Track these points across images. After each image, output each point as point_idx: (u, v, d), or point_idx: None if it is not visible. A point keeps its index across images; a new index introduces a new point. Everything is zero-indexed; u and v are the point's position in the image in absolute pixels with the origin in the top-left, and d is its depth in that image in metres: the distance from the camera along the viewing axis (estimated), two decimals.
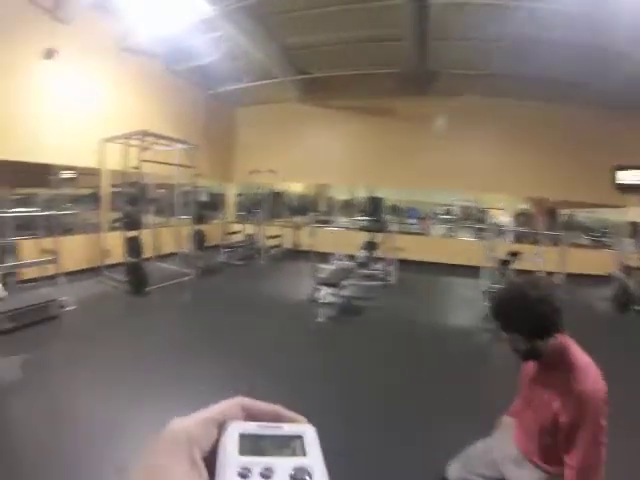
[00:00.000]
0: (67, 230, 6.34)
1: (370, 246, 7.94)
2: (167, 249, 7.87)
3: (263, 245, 9.25)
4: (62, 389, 3.01)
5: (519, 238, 9.49)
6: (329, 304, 5.38)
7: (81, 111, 6.56)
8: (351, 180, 11.11)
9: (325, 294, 5.51)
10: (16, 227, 5.42)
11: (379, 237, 7.92)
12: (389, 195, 10.97)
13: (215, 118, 10.63)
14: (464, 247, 9.75)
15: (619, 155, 8.99)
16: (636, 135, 8.84)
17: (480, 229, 10.09)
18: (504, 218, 10.87)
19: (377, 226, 7.92)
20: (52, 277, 4.96)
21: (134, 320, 4.85)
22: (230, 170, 11.56)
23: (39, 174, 6.04)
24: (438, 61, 8.16)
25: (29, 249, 5.48)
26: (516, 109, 9.34)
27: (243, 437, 0.28)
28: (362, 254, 7.81)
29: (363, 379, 3.50)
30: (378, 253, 7.82)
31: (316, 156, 10.83)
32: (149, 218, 7.14)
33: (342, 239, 8.76)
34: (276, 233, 10.18)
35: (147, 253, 6.50)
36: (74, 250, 6.39)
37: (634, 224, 7.93)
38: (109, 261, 6.70)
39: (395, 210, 11.59)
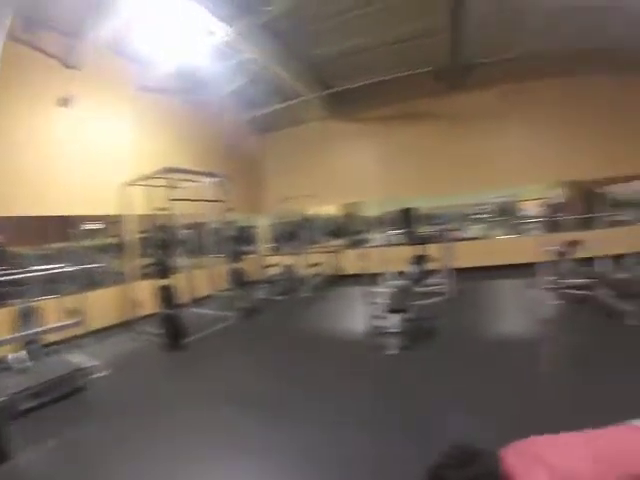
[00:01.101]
0: (94, 283, 5.90)
1: (420, 260, 7.10)
2: (203, 292, 7.29)
3: (304, 275, 8.53)
4: None
5: (561, 227, 8.73)
6: (397, 332, 4.52)
7: (100, 156, 6.24)
8: (383, 194, 10.44)
9: (393, 322, 4.62)
10: (40, 284, 4.99)
11: (427, 249, 7.13)
12: (422, 204, 10.46)
13: (240, 147, 10.29)
14: (512, 245, 8.98)
15: None
16: None
17: (517, 224, 9.45)
18: (536, 208, 10.14)
19: (412, 237, 7.16)
20: (80, 337, 4.41)
21: (173, 382, 4.13)
22: (259, 200, 11.11)
23: (60, 227, 5.66)
24: (471, 51, 7.48)
25: (53, 309, 4.99)
26: (545, 89, 8.71)
27: None
28: (413, 269, 7.00)
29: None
30: (429, 266, 6.98)
31: (347, 174, 10.39)
32: (180, 261, 6.60)
33: (385, 257, 7.82)
34: (315, 261, 9.47)
35: (181, 299, 5.92)
36: (102, 305, 5.91)
37: None
38: (141, 313, 6.16)
39: (426, 218, 10.86)
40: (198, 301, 7.02)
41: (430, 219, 11.31)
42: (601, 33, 6.80)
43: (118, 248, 6.61)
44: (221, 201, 6.87)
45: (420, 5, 6.30)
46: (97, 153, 6.20)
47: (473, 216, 11.24)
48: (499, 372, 3.52)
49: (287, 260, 9.25)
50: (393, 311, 4.67)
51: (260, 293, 7.89)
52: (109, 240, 6.67)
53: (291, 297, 7.98)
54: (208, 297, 7.25)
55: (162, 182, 5.94)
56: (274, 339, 5.40)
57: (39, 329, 4.14)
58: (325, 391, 3.48)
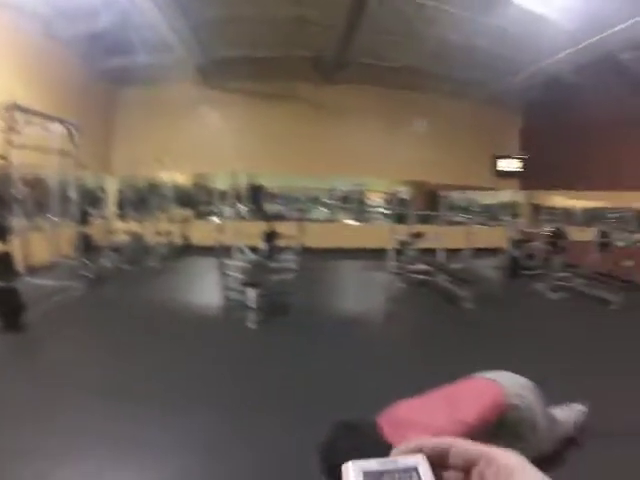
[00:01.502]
0: None
1: (270, 236, 7.67)
2: (42, 259, 6.25)
3: (152, 244, 8.16)
4: None
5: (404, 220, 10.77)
6: (254, 306, 4.72)
7: None
8: (237, 167, 10.58)
9: (251, 296, 4.75)
10: None
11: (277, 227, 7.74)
12: (273, 182, 11.32)
13: (95, 97, 8.84)
14: (360, 231, 10.70)
15: (497, 146, 11.32)
16: (511, 130, 11.43)
17: (364, 212, 11.11)
18: (381, 200, 12.26)
19: (262, 214, 7.64)
20: None
21: (15, 375, 3.26)
22: (108, 160, 9.79)
23: None
24: (355, 50, 8.35)
25: None
26: (410, 101, 10.54)
27: (366, 475, 0.30)
28: (264, 246, 7.52)
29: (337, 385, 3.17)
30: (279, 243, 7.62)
31: (203, 143, 10.21)
32: (17, 221, 5.48)
33: (235, 230, 7.56)
34: (164, 230, 9.08)
35: (18, 268, 5.06)
36: None
37: (513, 203, 10.34)
38: None
39: (275, 197, 11.77)
40: (36, 269, 5.99)
41: (280, 198, 12.14)
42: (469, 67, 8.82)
43: None
44: (71, 154, 6.02)
45: None
46: None
47: (323, 200, 12.53)
48: (350, 345, 4.20)
49: (134, 227, 8.61)
50: (249, 285, 4.82)
51: (106, 261, 7.23)
52: None
53: (139, 266, 7.59)
54: (48, 264, 6.27)
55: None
56: (125, 315, 5.02)
57: None
58: (190, 375, 3.40)
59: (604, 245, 7.52)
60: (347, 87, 10.14)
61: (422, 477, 0.30)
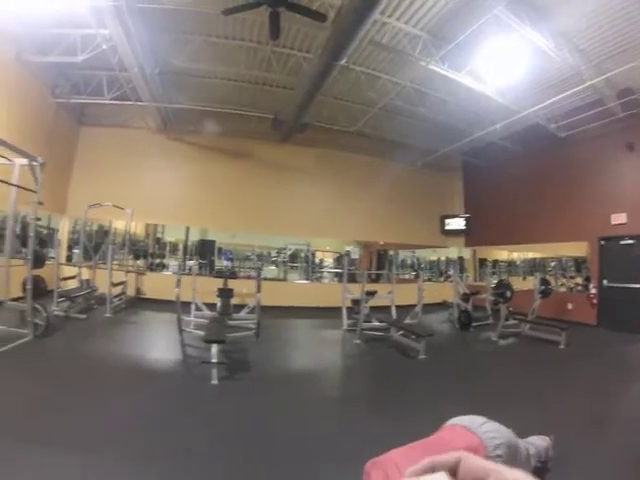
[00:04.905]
0: None
1: (226, 293, 7.53)
2: None
3: (109, 293, 7.53)
4: None
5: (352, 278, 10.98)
6: (219, 363, 4.43)
7: None
8: (188, 221, 10.66)
9: (213, 352, 4.42)
10: None
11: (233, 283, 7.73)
12: (222, 239, 11.33)
13: (59, 133, 8.49)
14: (310, 289, 10.77)
15: (444, 206, 12.29)
16: (456, 191, 12.55)
17: (312, 271, 11.42)
18: (329, 259, 12.54)
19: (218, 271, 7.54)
20: None
21: None
22: (64, 200, 9.21)
23: None
24: (313, 113, 8.96)
25: None
26: (362, 164, 11.28)
27: None
28: (222, 302, 7.37)
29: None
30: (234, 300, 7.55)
31: (159, 193, 10.00)
32: None
33: (188, 285, 6.96)
34: (116, 279, 8.43)
35: None
36: None
37: (460, 258, 11.31)
38: None
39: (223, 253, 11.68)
40: None
41: (226, 254, 11.98)
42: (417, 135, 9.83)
43: None
44: (32, 190, 5.62)
45: (285, 61, 7.36)
46: None
47: (271, 258, 12.51)
48: (311, 397, 4.10)
49: (85, 273, 7.95)
50: (211, 341, 4.58)
51: (56, 308, 6.49)
52: None
53: (93, 316, 6.90)
54: None
55: None
56: (84, 368, 4.38)
57: None
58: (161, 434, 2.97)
59: (545, 292, 8.32)
60: (302, 148, 10.70)
61: None
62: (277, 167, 10.72)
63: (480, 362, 6.03)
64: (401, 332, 6.48)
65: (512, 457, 1.78)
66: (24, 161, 5.53)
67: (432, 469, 0.32)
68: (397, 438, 1.52)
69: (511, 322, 7.38)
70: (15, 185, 5.46)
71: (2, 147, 4.90)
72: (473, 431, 1.77)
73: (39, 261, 5.70)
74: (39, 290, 5.64)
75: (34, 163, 5.59)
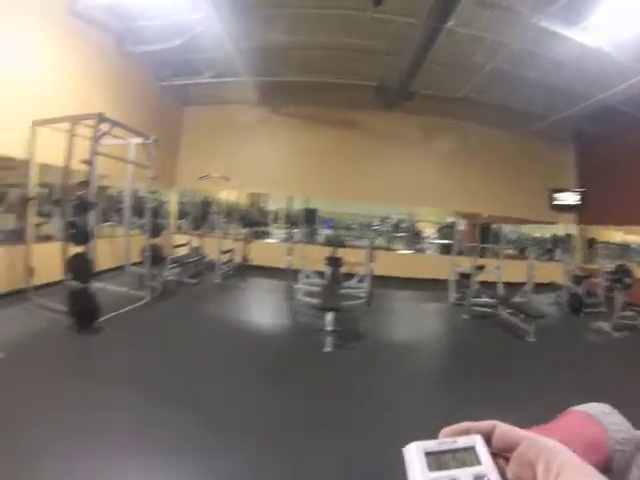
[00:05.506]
0: None
1: (335, 262, 7.43)
2: (108, 264, 6.35)
3: (218, 260, 8.10)
4: None
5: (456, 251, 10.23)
6: (332, 331, 4.56)
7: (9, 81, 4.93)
8: (291, 190, 10.72)
9: (328, 320, 4.69)
10: None
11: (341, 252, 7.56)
12: (326, 207, 11.28)
13: (165, 114, 9.23)
14: (417, 260, 10.23)
15: (554, 179, 10.53)
16: (568, 163, 10.69)
17: (415, 242, 10.97)
18: (432, 230, 11.89)
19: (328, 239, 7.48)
20: None
21: (93, 375, 3.25)
22: (173, 174, 10.13)
23: None
24: (419, 81, 8.11)
25: None
26: (465, 133, 10.15)
27: (428, 455, 0.31)
28: (331, 271, 7.30)
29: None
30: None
31: (261, 163, 10.23)
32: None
33: (293, 253, 7.24)
34: (224, 247, 9.05)
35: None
36: None
37: (568, 236, 10.03)
38: (35, 282, 5.09)
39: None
40: (101, 274, 6.08)
41: (327, 222, 11.97)
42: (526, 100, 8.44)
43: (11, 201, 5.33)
44: (146, 167, 6.15)
45: (387, 28, 6.67)
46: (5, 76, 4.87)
47: (372, 227, 12.24)
48: (420, 373, 4.17)
49: (195, 241, 8.68)
50: (326, 309, 4.70)
51: (169, 274, 7.23)
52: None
53: (204, 282, 7.53)
54: (111, 270, 6.35)
55: (82, 130, 4.99)
56: (200, 330, 4.89)
57: None
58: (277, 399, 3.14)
59: None
60: (407, 117, 9.96)
61: (479, 455, 0.32)
62: (380, 135, 10.20)
63: (594, 354, 5.33)
64: (509, 310, 6.09)
65: (635, 457, 1.50)
66: (138, 140, 6.07)
67: (468, 432, 0.33)
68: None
69: (627, 313, 6.28)
70: (131, 162, 6.04)
71: (116, 129, 5.37)
72: (598, 419, 1.53)
73: (156, 230, 6.32)
74: (156, 257, 6.24)
75: (147, 141, 6.10)
